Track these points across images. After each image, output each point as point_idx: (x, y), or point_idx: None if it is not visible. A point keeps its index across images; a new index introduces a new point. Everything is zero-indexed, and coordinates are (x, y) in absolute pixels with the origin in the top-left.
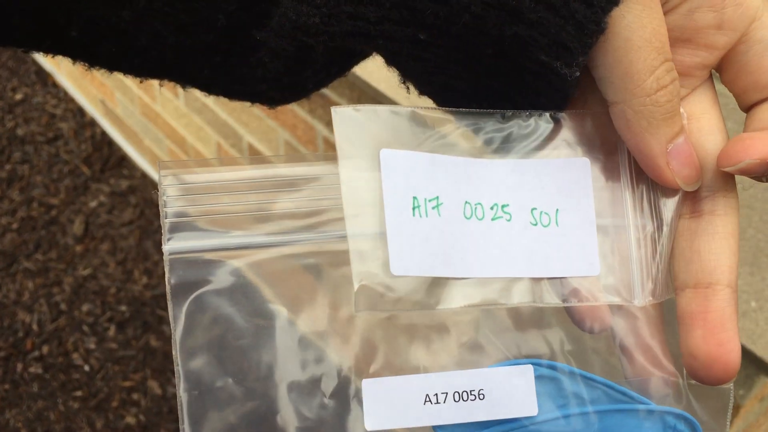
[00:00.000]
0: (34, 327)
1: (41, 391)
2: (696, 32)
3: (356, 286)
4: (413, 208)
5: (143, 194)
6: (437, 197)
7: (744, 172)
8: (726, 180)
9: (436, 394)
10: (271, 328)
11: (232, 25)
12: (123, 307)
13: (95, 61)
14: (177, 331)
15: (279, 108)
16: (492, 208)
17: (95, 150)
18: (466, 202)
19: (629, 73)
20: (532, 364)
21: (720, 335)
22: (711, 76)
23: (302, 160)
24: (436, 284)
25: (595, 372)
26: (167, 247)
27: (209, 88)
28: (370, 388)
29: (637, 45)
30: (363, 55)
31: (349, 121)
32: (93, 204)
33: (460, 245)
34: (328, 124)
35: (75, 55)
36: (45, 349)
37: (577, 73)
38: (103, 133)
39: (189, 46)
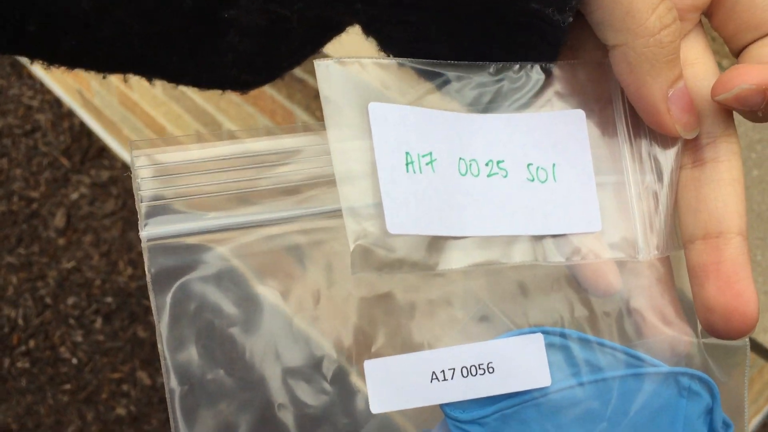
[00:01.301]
0: (20, 322)
1: (30, 386)
2: None
3: (352, 246)
4: (407, 164)
5: (125, 184)
6: (430, 153)
7: (738, 101)
8: (726, 124)
9: (443, 371)
10: (262, 313)
11: (199, 6)
12: (109, 299)
13: (55, 58)
14: (162, 323)
15: (257, 94)
16: (487, 165)
17: (74, 141)
18: (461, 159)
19: (630, 12)
20: (542, 332)
21: (736, 285)
22: (701, 21)
23: (283, 132)
24: (435, 244)
25: (606, 336)
26: (145, 233)
27: (178, 79)
28: (372, 369)
29: None
30: (338, 29)
31: (333, 75)
32: (74, 196)
33: (457, 202)
34: (307, 108)
35: (33, 53)
36: (32, 343)
37: (570, 19)
38: (82, 124)
39: (155, 33)
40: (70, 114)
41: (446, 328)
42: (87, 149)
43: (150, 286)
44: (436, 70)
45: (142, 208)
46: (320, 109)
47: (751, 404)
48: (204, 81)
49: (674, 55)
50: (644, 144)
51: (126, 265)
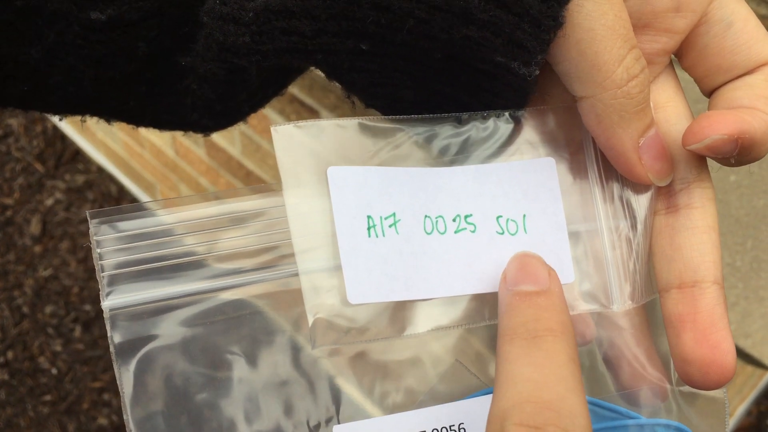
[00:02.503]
0: None
1: (9, 398)
2: (654, 17)
3: (311, 320)
4: (368, 228)
5: (101, 188)
6: (394, 214)
7: (710, 150)
8: (700, 169)
9: None
10: (230, 380)
11: (155, 52)
12: (87, 307)
13: (6, 102)
14: (126, 395)
15: None
16: (454, 220)
17: (48, 146)
18: (426, 216)
19: (596, 65)
20: None
21: (712, 337)
22: (671, 62)
23: (246, 194)
24: (400, 309)
25: None
26: (107, 303)
27: (137, 121)
28: None
29: (601, 34)
30: (299, 71)
31: (291, 140)
32: (49, 202)
33: (423, 264)
34: (282, 112)
35: None
36: (10, 354)
37: (537, 72)
38: (55, 128)
39: (109, 78)
40: (43, 117)
41: (417, 389)
42: (61, 153)
43: (114, 357)
44: (399, 126)
45: (103, 278)
46: (295, 113)
47: None
48: (164, 123)
49: (643, 105)
50: (617, 189)
51: None
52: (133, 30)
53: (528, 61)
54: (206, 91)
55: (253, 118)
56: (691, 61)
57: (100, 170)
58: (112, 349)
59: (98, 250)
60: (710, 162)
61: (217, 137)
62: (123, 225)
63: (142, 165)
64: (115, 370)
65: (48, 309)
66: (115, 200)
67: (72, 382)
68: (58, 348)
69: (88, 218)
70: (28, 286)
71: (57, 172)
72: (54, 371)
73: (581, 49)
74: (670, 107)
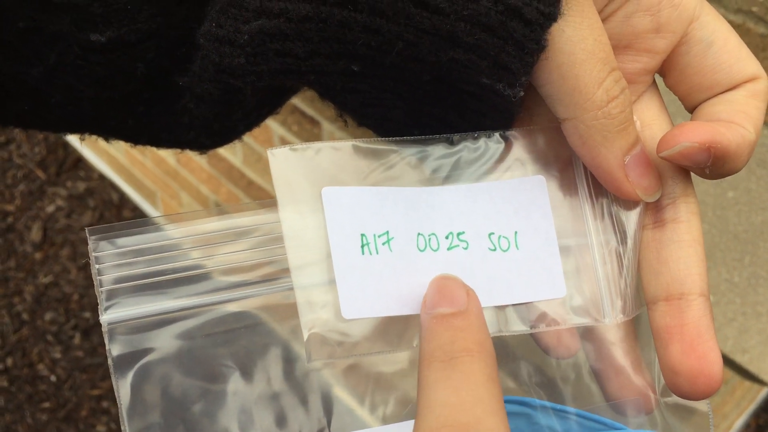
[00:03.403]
0: None
1: (8, 405)
2: (635, 38)
3: (306, 335)
4: (362, 246)
5: (102, 196)
6: (387, 232)
7: (682, 157)
8: (685, 185)
9: None
10: (224, 392)
11: (153, 72)
12: (87, 314)
13: (7, 121)
14: (123, 405)
15: None
16: (447, 238)
17: (49, 153)
18: (419, 234)
19: (577, 87)
20: None
21: (700, 348)
22: (654, 81)
23: (242, 210)
24: (393, 324)
25: (566, 401)
26: (105, 317)
27: (135, 139)
28: None
29: (581, 58)
30: (294, 91)
31: (286, 162)
32: (50, 209)
33: (416, 280)
34: (283, 123)
35: None
36: (9, 361)
37: (521, 93)
38: (57, 135)
39: (108, 98)
40: None
41: (409, 398)
42: (63, 161)
43: (111, 370)
44: (392, 147)
45: (102, 293)
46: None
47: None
48: (162, 141)
49: (625, 124)
50: (606, 205)
51: None
52: (131, 51)
53: (513, 83)
54: (203, 110)
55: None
56: (673, 79)
57: (102, 178)
58: (110, 361)
59: (97, 266)
60: (706, 180)
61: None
62: (121, 241)
63: (144, 173)
64: (113, 382)
65: (48, 316)
66: (116, 208)
67: (71, 390)
68: (58, 355)
69: (87, 235)
70: (28, 293)
71: (58, 179)
72: (53, 378)
73: (562, 73)
74: (655, 125)
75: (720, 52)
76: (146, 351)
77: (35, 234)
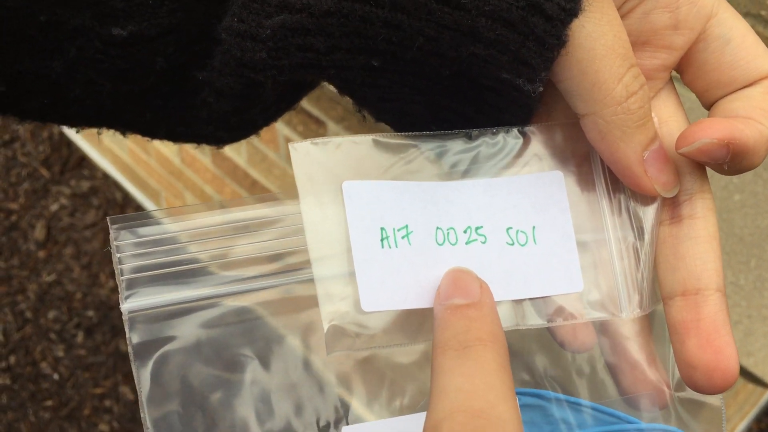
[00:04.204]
0: (0, 337)
1: (11, 403)
2: (653, 34)
3: (326, 326)
4: (381, 240)
5: (106, 195)
6: (406, 226)
7: (701, 153)
8: (702, 181)
9: None
10: (242, 381)
11: (172, 66)
12: (90, 312)
13: (26, 115)
14: (143, 393)
15: None
16: (465, 232)
17: (54, 151)
18: (438, 228)
19: (596, 83)
20: (516, 392)
21: (716, 342)
22: (672, 79)
23: (262, 201)
24: (412, 317)
25: (581, 394)
26: (126, 305)
27: (152, 133)
28: None
29: (601, 54)
30: (312, 86)
31: (307, 156)
32: (54, 207)
33: (434, 273)
34: (289, 123)
35: (4, 110)
36: (12, 359)
37: (541, 88)
38: (61, 134)
39: (127, 91)
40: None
41: (425, 391)
42: (67, 159)
43: (132, 358)
44: (412, 142)
45: (122, 281)
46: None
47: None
48: (179, 136)
49: (644, 119)
50: (624, 201)
51: (107, 277)
52: (152, 45)
53: (532, 78)
54: (222, 104)
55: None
56: (691, 76)
57: (106, 177)
58: (130, 349)
59: (118, 255)
60: (713, 182)
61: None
62: (142, 230)
63: (148, 172)
64: (133, 371)
65: (51, 314)
66: (120, 207)
67: (73, 388)
68: (60, 353)
69: (109, 224)
70: (31, 291)
71: (62, 178)
72: (56, 377)
73: (582, 68)
74: (672, 121)
75: (738, 49)
76: (166, 340)
77: (39, 232)
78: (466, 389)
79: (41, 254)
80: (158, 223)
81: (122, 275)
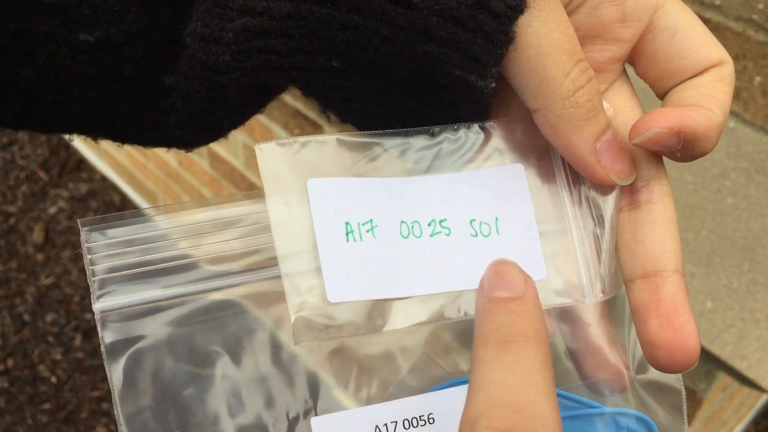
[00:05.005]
0: None
1: (8, 406)
2: (602, 28)
3: (293, 318)
4: (347, 234)
5: (104, 198)
6: (371, 220)
7: (653, 143)
8: (658, 168)
9: (386, 424)
10: (214, 376)
11: (140, 72)
12: (88, 316)
13: (1, 122)
14: (116, 390)
15: None
16: (430, 225)
17: (52, 154)
18: (402, 222)
19: (545, 79)
20: None
21: (676, 321)
22: (625, 69)
23: (230, 201)
24: (379, 307)
25: None
26: (98, 305)
27: (122, 138)
28: (320, 426)
29: (548, 51)
30: (278, 90)
31: (273, 156)
32: (52, 210)
33: (399, 265)
34: (285, 126)
35: None
36: (10, 362)
37: (493, 84)
38: (59, 137)
39: (96, 97)
40: None
41: (390, 380)
42: (65, 162)
43: (104, 356)
44: (375, 140)
45: (94, 282)
46: (298, 127)
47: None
48: (149, 140)
49: (594, 112)
50: (583, 191)
51: None
52: (119, 51)
53: (484, 74)
54: (189, 108)
55: (256, 131)
56: (642, 67)
57: (104, 179)
58: (103, 348)
59: (89, 256)
60: (708, 186)
61: (220, 149)
62: (112, 232)
63: (146, 175)
64: (106, 369)
65: (49, 317)
66: (118, 209)
67: (71, 391)
68: (58, 356)
69: (79, 226)
70: (29, 294)
71: (60, 181)
72: (53, 380)
73: (531, 65)
74: (627, 111)
75: (685, 38)
76: (137, 338)
77: (37, 235)
78: (506, 384)
79: (39, 257)
80: (128, 225)
81: (94, 276)
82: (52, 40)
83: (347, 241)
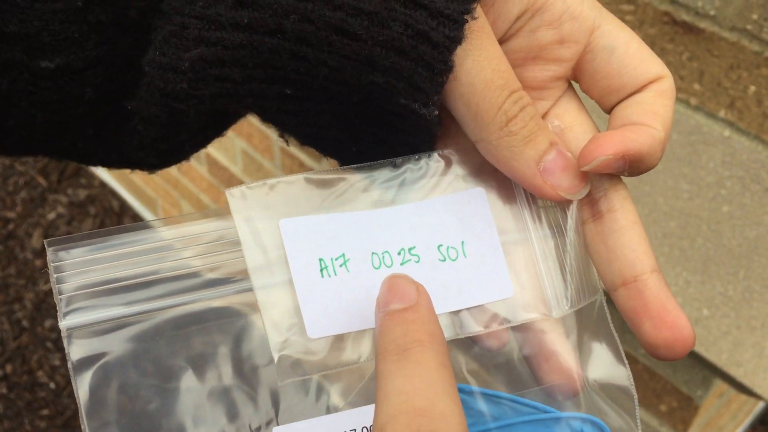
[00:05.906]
0: None
1: (7, 412)
2: (541, 49)
3: (276, 357)
4: (321, 270)
5: (102, 203)
6: (343, 254)
7: (602, 168)
8: (611, 177)
9: None
10: (178, 389)
11: (101, 96)
12: None
13: None
14: (82, 405)
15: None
16: (399, 254)
17: (51, 160)
18: (373, 253)
19: (478, 114)
20: None
21: (668, 319)
22: (571, 85)
23: (198, 219)
24: (358, 338)
25: (499, 387)
26: (64, 323)
27: (86, 160)
28: None
29: (480, 88)
30: (238, 115)
31: (244, 200)
32: (51, 216)
33: (374, 295)
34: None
35: None
36: (8, 368)
37: (436, 112)
38: None
39: (59, 121)
40: None
41: (350, 390)
42: (64, 168)
43: (71, 372)
44: (341, 176)
45: (61, 300)
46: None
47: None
48: (113, 162)
49: (530, 136)
50: (543, 208)
51: None
52: (79, 77)
53: (426, 102)
54: (150, 132)
55: (255, 138)
56: (586, 85)
57: (103, 185)
58: (69, 365)
59: (55, 275)
60: (704, 194)
61: (219, 155)
62: (78, 251)
63: (145, 181)
64: (73, 384)
65: (47, 323)
66: (117, 215)
67: (70, 397)
68: (57, 362)
69: (46, 246)
70: (28, 300)
71: (59, 187)
72: (52, 385)
73: (465, 102)
74: (576, 126)
75: (623, 56)
76: (103, 354)
77: (36, 241)
78: (406, 390)
79: (38, 263)
80: (95, 243)
81: (60, 294)
82: (14, 67)
83: (322, 276)
